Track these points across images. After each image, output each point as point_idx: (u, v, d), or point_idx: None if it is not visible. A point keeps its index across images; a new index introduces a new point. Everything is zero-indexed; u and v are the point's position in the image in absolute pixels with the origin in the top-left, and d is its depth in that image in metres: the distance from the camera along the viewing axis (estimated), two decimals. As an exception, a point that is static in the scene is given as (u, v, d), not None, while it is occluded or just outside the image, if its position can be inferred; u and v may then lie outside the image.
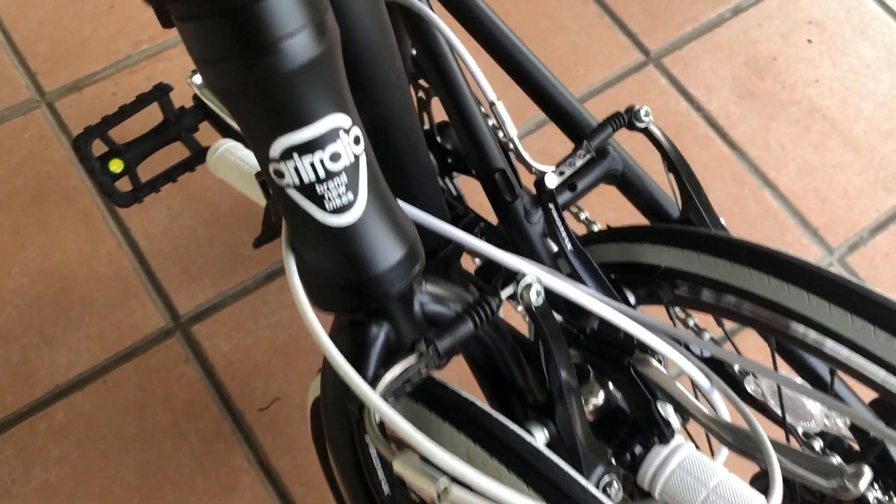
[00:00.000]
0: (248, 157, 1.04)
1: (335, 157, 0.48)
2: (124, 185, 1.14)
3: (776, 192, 1.44)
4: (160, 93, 1.13)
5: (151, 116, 1.17)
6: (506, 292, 0.53)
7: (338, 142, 0.47)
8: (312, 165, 0.47)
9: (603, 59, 1.54)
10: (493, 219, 0.84)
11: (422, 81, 1.03)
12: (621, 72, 1.53)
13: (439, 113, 0.94)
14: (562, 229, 0.70)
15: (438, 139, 1.10)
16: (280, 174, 0.48)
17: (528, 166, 0.71)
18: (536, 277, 0.53)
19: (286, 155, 0.47)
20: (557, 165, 0.73)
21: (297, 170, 0.47)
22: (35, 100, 1.46)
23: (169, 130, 1.15)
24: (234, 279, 1.33)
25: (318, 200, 0.48)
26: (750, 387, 0.73)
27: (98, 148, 1.12)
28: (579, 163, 0.72)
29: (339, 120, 0.47)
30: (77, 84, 1.47)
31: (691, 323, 0.79)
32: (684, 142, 1.47)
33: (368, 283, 0.51)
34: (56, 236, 1.35)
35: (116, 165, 1.12)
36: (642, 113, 0.74)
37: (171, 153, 1.18)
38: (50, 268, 1.33)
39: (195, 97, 1.17)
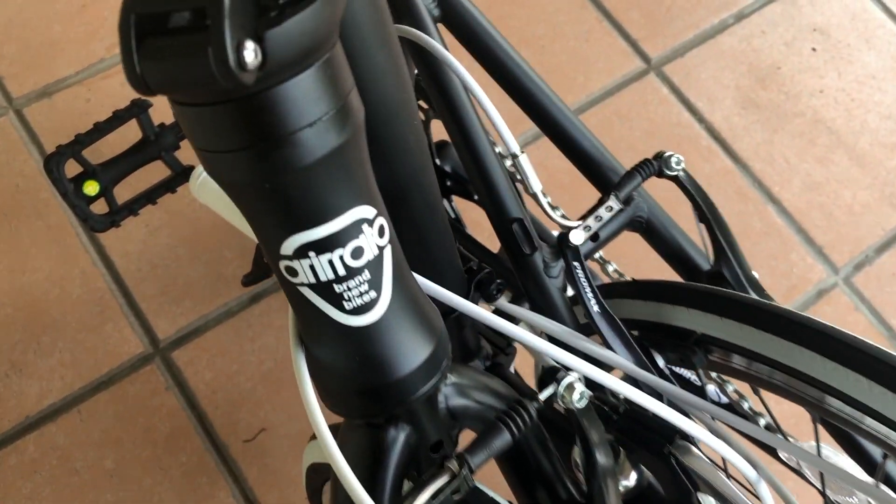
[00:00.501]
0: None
1: (357, 254, 0.41)
2: (100, 206, 1.06)
3: (780, 209, 1.39)
4: (138, 109, 1.05)
5: (129, 131, 1.09)
6: (545, 394, 0.47)
7: (360, 237, 0.41)
8: (331, 263, 0.41)
9: (602, 67, 1.48)
10: (493, 243, 0.78)
11: (421, 102, 0.97)
12: (621, 80, 1.47)
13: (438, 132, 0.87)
14: (588, 290, 0.64)
15: (437, 161, 1.03)
16: (293, 272, 0.42)
17: (554, 222, 0.65)
18: (579, 376, 0.47)
19: (301, 253, 0.40)
20: (583, 218, 0.67)
21: (312, 268, 0.41)
22: (2, 106, 1.37)
23: (148, 149, 1.07)
24: (216, 301, 1.26)
25: (336, 300, 0.42)
26: (785, 455, 0.68)
27: (71, 168, 1.04)
28: (607, 216, 0.66)
29: (362, 212, 0.41)
30: (47, 89, 1.38)
31: (730, 389, 0.74)
32: (686, 154, 1.42)
33: (390, 387, 0.45)
34: (25, 254, 1.27)
35: (91, 188, 1.04)
36: (673, 161, 0.68)
37: (151, 172, 1.11)
38: (19, 288, 1.25)
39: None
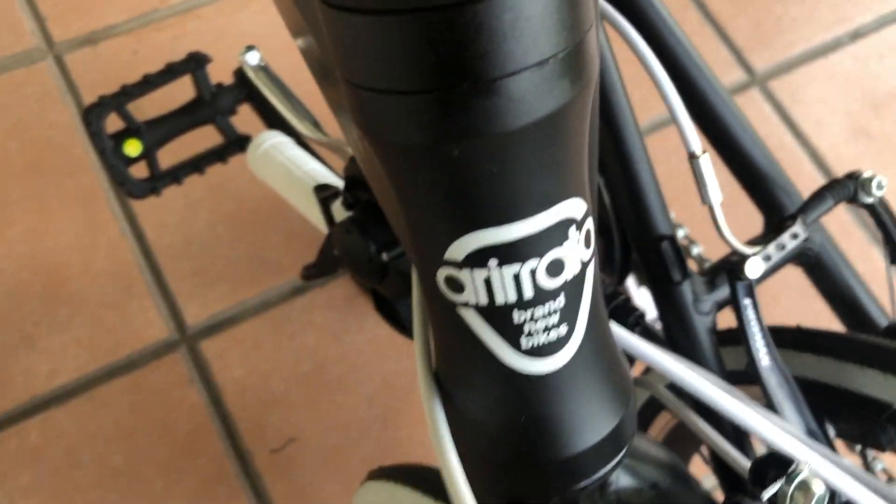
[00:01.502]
0: (300, 159, 0.83)
1: (555, 269, 0.28)
2: (140, 171, 0.93)
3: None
4: (195, 64, 0.92)
5: (180, 90, 0.96)
6: (769, 491, 0.33)
7: (565, 244, 0.27)
8: (517, 279, 0.27)
9: (700, 75, 1.33)
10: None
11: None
12: (720, 92, 1.32)
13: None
14: (759, 336, 0.50)
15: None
16: (456, 285, 0.28)
17: (728, 244, 0.51)
18: (817, 474, 0.33)
19: (477, 260, 0.27)
20: (758, 243, 0.53)
21: (489, 283, 0.27)
22: (41, 49, 1.24)
23: (201, 110, 0.94)
24: (255, 288, 1.13)
25: (512, 333, 0.28)
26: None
27: (112, 123, 0.91)
28: (791, 245, 0.52)
29: (572, 208, 0.27)
30: (92, 36, 1.25)
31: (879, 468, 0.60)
32: (787, 181, 1.27)
33: (560, 464, 0.31)
34: (49, 216, 1.14)
35: (133, 147, 0.91)
36: (874, 185, 0.54)
37: (200, 138, 0.98)
38: (39, 253, 1.12)
39: (238, 73, 0.96)
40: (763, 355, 0.51)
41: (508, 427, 0.31)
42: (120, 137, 0.91)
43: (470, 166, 0.25)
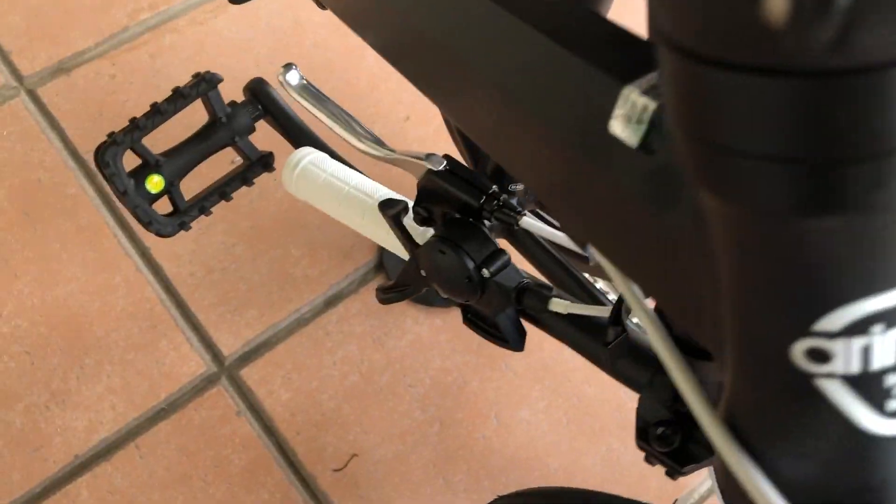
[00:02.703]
0: (344, 174, 0.79)
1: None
2: (162, 206, 0.88)
3: None
4: (206, 85, 0.86)
5: (187, 113, 0.90)
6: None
7: None
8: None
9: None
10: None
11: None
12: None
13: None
14: None
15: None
16: (820, 356, 0.25)
17: None
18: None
19: (858, 328, 0.24)
20: None
21: (866, 352, 0.24)
22: (11, 86, 1.16)
23: (218, 133, 0.88)
24: (286, 307, 1.08)
25: (879, 397, 0.26)
26: None
27: (126, 161, 0.86)
28: None
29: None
30: (63, 65, 1.18)
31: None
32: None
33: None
34: (56, 262, 1.07)
35: (155, 184, 0.85)
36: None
37: (217, 162, 0.92)
38: (52, 303, 1.05)
39: (250, 88, 0.90)
40: None
41: (856, 491, 0.28)
42: (140, 175, 0.85)
43: (874, 233, 0.22)
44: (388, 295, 0.72)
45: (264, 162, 0.91)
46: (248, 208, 1.11)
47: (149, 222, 0.85)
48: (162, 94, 1.16)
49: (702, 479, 1.06)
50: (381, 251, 1.12)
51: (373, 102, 1.21)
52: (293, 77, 0.70)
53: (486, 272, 0.62)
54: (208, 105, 0.88)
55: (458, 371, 1.08)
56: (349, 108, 1.22)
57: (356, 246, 1.13)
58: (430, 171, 0.64)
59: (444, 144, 1.20)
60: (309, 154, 0.82)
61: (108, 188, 1.11)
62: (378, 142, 0.69)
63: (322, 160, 0.81)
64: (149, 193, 0.85)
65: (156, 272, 1.08)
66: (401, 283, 0.70)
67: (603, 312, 0.58)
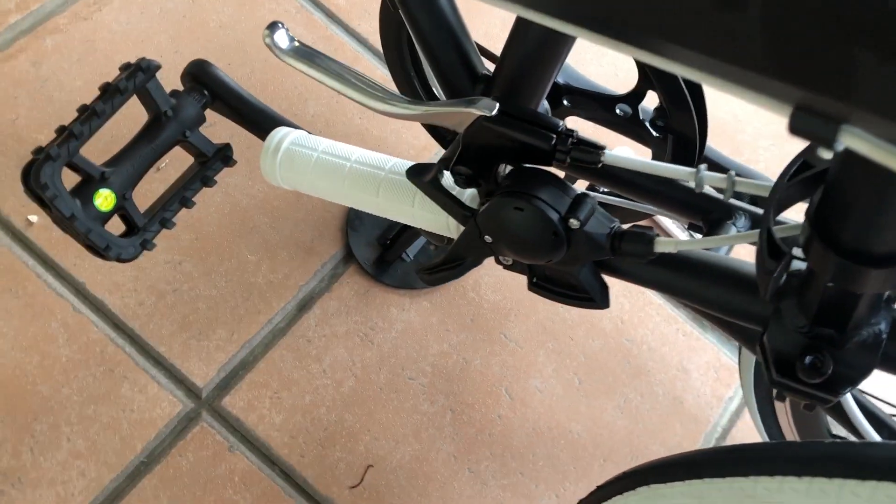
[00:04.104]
0: (340, 149, 0.68)
1: None
2: (114, 225, 0.74)
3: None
4: (145, 75, 0.72)
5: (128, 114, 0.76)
6: None
7: None
8: None
9: None
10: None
11: None
12: None
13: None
14: None
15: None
16: None
17: None
18: None
19: None
20: None
21: None
22: None
23: (165, 130, 0.75)
24: (256, 320, 0.96)
25: None
26: None
27: (65, 178, 0.71)
28: None
29: None
30: (-72, 88, 0.99)
31: None
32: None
33: None
34: (-27, 320, 0.90)
35: (105, 201, 0.71)
36: None
37: (172, 163, 0.79)
38: (-21, 368, 0.88)
39: (189, 74, 0.77)
40: None
41: None
42: (85, 193, 0.70)
43: None
44: (438, 274, 0.62)
45: (223, 156, 0.78)
46: (187, 219, 0.97)
47: (106, 248, 0.71)
48: (56, 104, 1.00)
49: (720, 412, 1.02)
50: (348, 237, 1.01)
51: (300, 81, 1.09)
52: (282, 38, 0.58)
53: (574, 222, 0.53)
54: (148, 98, 0.74)
55: (456, 352, 0.99)
56: (275, 91, 1.09)
57: (317, 238, 1.01)
58: (480, 119, 0.54)
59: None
60: (288, 134, 0.70)
61: (17, 221, 0.95)
62: (403, 98, 0.58)
63: (305, 138, 0.69)
64: (99, 213, 0.71)
65: (98, 308, 0.92)
66: (454, 257, 0.60)
67: (725, 242, 0.51)
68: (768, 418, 0.88)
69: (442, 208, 0.59)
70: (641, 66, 0.75)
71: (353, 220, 1.02)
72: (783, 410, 0.86)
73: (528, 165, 0.55)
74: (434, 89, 0.91)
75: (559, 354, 1.01)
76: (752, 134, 1.19)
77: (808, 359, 0.51)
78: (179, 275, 0.96)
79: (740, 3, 0.31)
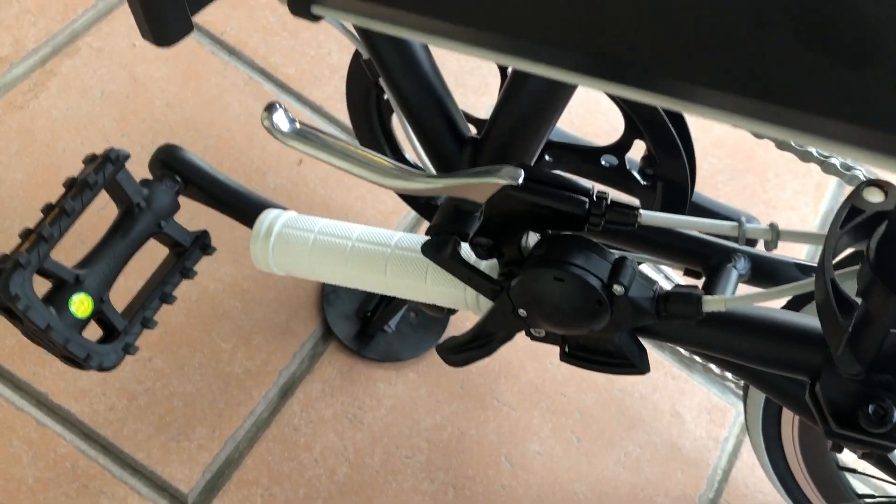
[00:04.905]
0: (338, 228, 0.64)
1: None
2: (92, 331, 0.67)
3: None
4: (114, 166, 0.67)
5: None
6: None
7: None
8: None
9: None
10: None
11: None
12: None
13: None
14: None
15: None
16: None
17: None
18: None
19: None
20: None
21: None
22: None
23: (139, 223, 0.69)
24: (237, 412, 0.90)
25: None
26: None
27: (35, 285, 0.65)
28: None
29: None
30: None
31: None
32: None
33: None
34: (-76, 447, 0.81)
35: (82, 306, 0.65)
36: None
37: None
38: (-65, 501, 0.80)
39: (157, 160, 0.72)
40: None
41: None
42: (59, 299, 0.64)
43: None
44: (465, 354, 0.58)
45: (202, 244, 0.73)
46: (155, 310, 0.91)
47: (87, 357, 0.65)
48: (2, 202, 0.93)
49: (718, 454, 1.01)
50: (325, 313, 0.96)
51: (257, 155, 1.04)
52: (281, 120, 0.54)
53: (618, 288, 0.50)
54: (118, 190, 0.69)
55: (450, 423, 0.95)
56: (231, 168, 1.04)
57: (292, 317, 0.96)
58: (506, 188, 0.51)
59: (350, 181, 1.06)
60: (279, 216, 0.65)
61: (-35, 334, 0.87)
62: (419, 172, 0.55)
63: (297, 220, 0.65)
64: (76, 320, 0.65)
65: (64, 420, 0.85)
66: (483, 333, 0.57)
67: (779, 296, 0.49)
68: (776, 456, 0.86)
69: (466, 283, 0.56)
70: (628, 116, 0.74)
71: (329, 294, 0.97)
72: (791, 448, 0.85)
73: (557, 233, 0.52)
74: (407, 154, 0.88)
75: (554, 413, 0.98)
76: (708, 169, 1.20)
77: (870, 407, 0.49)
78: (150, 372, 0.89)
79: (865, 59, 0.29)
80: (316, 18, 0.48)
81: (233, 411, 0.89)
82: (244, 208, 0.72)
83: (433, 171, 0.72)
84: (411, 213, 1.05)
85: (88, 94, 1.02)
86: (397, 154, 0.88)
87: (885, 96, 0.30)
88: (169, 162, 0.72)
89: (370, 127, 0.86)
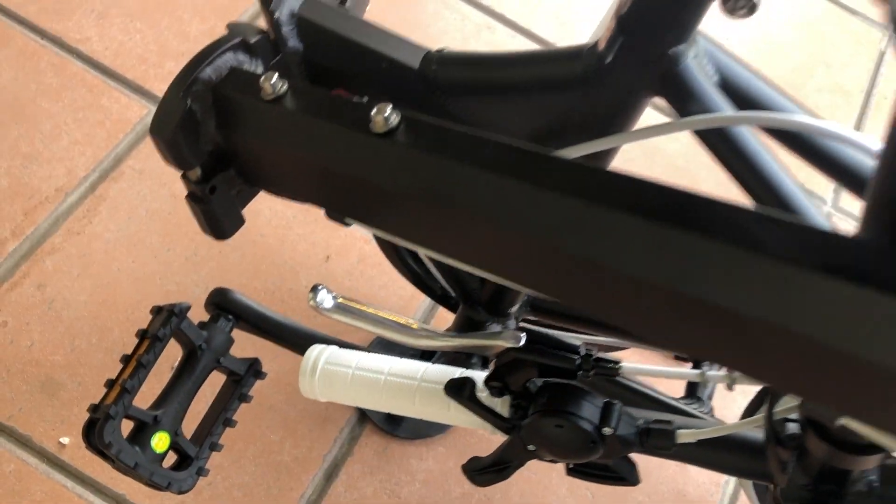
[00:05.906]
0: (373, 363, 0.76)
1: None
2: (167, 460, 0.80)
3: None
4: (178, 318, 0.79)
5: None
6: None
7: None
8: None
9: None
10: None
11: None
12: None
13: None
14: None
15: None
16: None
17: None
18: None
19: None
20: None
21: None
22: None
23: (201, 362, 0.81)
24: (289, 497, 1.02)
25: None
26: None
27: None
28: None
29: None
30: (-59, 330, 1.03)
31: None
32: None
33: None
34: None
35: (161, 441, 0.77)
36: None
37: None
38: None
39: (211, 302, 0.84)
40: None
41: None
42: (142, 439, 0.76)
43: None
44: (487, 476, 0.70)
45: (254, 371, 0.85)
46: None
47: (168, 485, 0.77)
48: (66, 323, 1.06)
49: (720, 497, 1.12)
50: (359, 402, 1.08)
51: (288, 255, 1.16)
52: (325, 299, 0.66)
53: (607, 430, 0.62)
54: (182, 337, 0.81)
55: (478, 491, 1.06)
56: (267, 270, 1.16)
57: (330, 406, 1.08)
58: (509, 348, 0.63)
59: (372, 271, 1.18)
60: (322, 353, 0.77)
61: (49, 445, 0.99)
62: (436, 331, 0.67)
63: (338, 355, 0.77)
64: (157, 454, 0.77)
65: (140, 520, 0.97)
66: (500, 461, 0.68)
67: (726, 430, 0.61)
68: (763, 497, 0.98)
69: (484, 420, 0.67)
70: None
71: (362, 382, 1.09)
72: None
73: (554, 382, 0.64)
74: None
75: (569, 473, 1.09)
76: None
77: None
78: (211, 467, 1.01)
79: None
80: (348, 224, 0.60)
81: (286, 496, 1.02)
82: (287, 336, 0.84)
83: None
84: (427, 300, 1.16)
85: (135, 214, 1.14)
86: (420, 264, 0.98)
87: None
88: (222, 304, 0.84)
89: (406, 265, 0.97)
